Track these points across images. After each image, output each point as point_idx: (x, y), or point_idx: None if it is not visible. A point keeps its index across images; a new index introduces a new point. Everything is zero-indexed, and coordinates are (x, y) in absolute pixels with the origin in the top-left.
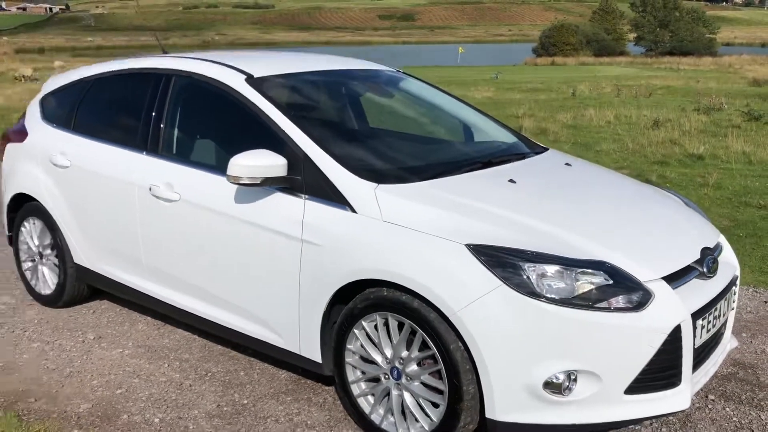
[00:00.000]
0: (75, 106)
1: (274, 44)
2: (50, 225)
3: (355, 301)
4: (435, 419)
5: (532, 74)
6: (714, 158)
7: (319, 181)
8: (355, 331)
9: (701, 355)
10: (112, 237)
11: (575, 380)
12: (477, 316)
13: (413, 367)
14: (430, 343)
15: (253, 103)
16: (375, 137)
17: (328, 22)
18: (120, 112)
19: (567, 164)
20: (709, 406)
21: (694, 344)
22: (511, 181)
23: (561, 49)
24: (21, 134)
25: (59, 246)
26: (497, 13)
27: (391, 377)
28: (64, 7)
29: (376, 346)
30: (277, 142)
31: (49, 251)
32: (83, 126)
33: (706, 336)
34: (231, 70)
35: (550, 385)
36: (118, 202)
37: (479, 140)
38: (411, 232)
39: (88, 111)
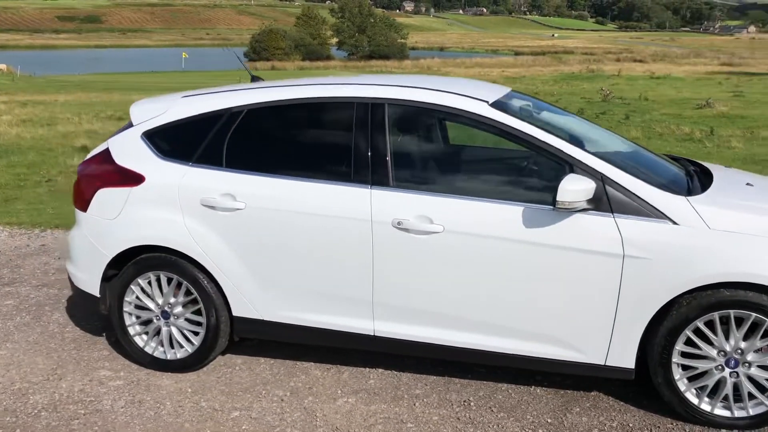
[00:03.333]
0: (222, 141)
1: None
2: (191, 277)
3: (689, 306)
4: None
5: None
6: None
7: (625, 199)
8: (687, 332)
9: None
10: (319, 279)
11: None
12: None
13: (752, 355)
14: None
15: (519, 129)
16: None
17: None
18: (308, 144)
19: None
20: None
21: None
22: (748, 184)
23: (273, 54)
24: (123, 177)
25: (207, 299)
26: (190, 16)
27: (726, 367)
28: None
29: (709, 342)
30: (557, 164)
31: (180, 309)
32: (247, 162)
33: None
34: (465, 97)
35: None
36: (335, 240)
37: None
38: (751, 237)
39: (249, 145)
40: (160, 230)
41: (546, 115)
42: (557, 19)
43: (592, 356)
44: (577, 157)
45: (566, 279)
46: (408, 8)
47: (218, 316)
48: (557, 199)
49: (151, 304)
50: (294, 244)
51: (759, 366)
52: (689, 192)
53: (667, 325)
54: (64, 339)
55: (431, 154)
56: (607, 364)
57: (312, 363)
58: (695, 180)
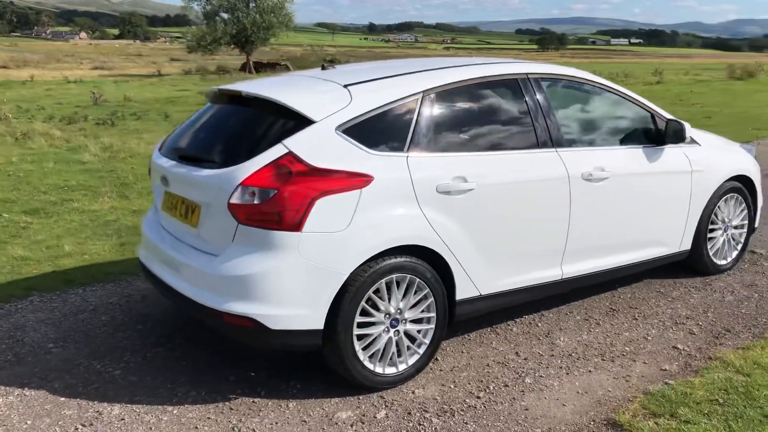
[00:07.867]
0: (428, 125)
1: None
2: (423, 272)
3: (717, 194)
4: None
5: None
6: None
7: (678, 134)
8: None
9: None
10: (530, 240)
11: None
12: None
13: None
14: None
15: (623, 92)
16: None
17: None
18: (501, 119)
19: None
20: None
21: None
22: None
23: None
24: (344, 180)
25: (436, 291)
26: None
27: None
28: None
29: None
30: (644, 115)
31: (409, 311)
32: (456, 142)
33: None
34: (585, 71)
35: None
36: (546, 200)
37: None
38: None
39: (452, 126)
40: (404, 228)
41: None
42: None
43: (674, 247)
44: (654, 109)
45: (670, 194)
46: None
47: (445, 305)
48: (686, 135)
49: (380, 317)
50: (514, 213)
51: None
52: None
53: (707, 211)
54: (232, 407)
55: (580, 116)
56: (679, 250)
57: (490, 328)
58: None
